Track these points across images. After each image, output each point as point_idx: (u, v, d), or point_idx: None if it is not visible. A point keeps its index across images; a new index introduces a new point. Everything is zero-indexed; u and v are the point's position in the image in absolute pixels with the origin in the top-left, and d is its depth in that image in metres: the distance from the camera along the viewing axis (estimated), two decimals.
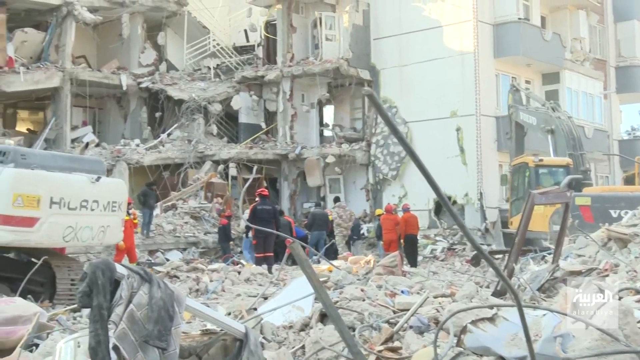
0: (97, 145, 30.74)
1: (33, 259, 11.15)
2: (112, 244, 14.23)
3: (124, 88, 31.97)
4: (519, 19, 29.15)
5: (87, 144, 29.95)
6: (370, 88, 30.67)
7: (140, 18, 32.85)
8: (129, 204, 19.08)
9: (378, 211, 25.56)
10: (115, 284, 4.30)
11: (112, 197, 11.24)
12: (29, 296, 9.84)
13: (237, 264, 19.05)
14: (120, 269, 4.34)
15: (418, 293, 7.94)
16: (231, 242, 24.02)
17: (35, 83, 29.01)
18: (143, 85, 32.15)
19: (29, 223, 9.86)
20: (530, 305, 4.57)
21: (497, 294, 7.65)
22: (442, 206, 27.58)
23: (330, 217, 24.51)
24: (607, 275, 7.11)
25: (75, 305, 9.17)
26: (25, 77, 28.47)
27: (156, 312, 4.29)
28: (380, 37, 30.56)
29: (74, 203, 10.42)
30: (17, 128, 32.56)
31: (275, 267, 17.03)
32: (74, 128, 31.39)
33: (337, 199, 28.38)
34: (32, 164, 10.13)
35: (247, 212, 19.57)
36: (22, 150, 10.74)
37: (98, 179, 10.88)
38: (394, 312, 6.14)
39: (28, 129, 32.99)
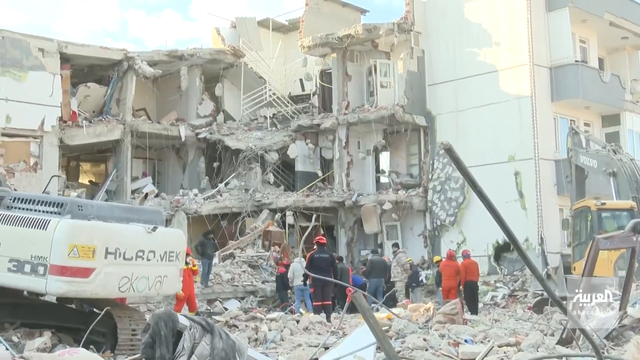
0: (157, 195, 31.22)
1: (95, 309, 11.28)
2: (169, 295, 13.78)
3: (183, 139, 32.56)
4: (576, 61, 28.88)
5: (146, 195, 30.46)
6: (427, 134, 30.64)
7: (198, 70, 33.57)
8: (187, 253, 19.28)
9: (436, 258, 25.27)
10: (178, 334, 4.32)
11: (169, 247, 11.03)
12: (92, 347, 9.93)
13: (294, 313, 19.02)
14: (182, 320, 4.36)
15: (482, 342, 7.77)
16: (289, 291, 23.96)
17: (97, 136, 29.78)
18: (201, 136, 32.68)
19: (85, 274, 9.74)
20: (608, 357, 4.42)
21: (563, 342, 7.43)
22: (505, 250, 27.22)
23: (390, 263, 24.40)
24: None
25: (137, 356, 9.21)
26: (88, 131, 29.24)
27: None
28: (436, 82, 30.58)
29: (130, 253, 10.28)
30: (80, 180, 33.36)
31: (334, 315, 16.91)
32: (134, 179, 32.00)
33: (396, 245, 28.17)
34: (89, 215, 10.21)
35: (300, 260, 19.57)
36: (79, 201, 10.78)
37: (154, 229, 10.70)
38: None
39: (90, 181, 33.77)
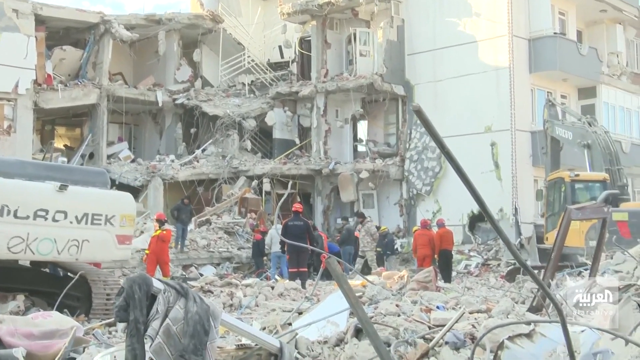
0: (133, 160, 31.08)
1: (69, 274, 11.24)
2: (94, 261, 11.87)
3: (160, 104, 32.31)
4: (555, 33, 28.92)
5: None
6: (405, 103, 30.66)
7: (176, 35, 33.22)
8: (161, 220, 19.27)
9: (415, 228, 25.48)
10: (152, 298, 4.33)
11: (95, 210, 10.31)
12: (65, 310, 9.92)
13: (270, 279, 19.12)
14: (156, 284, 4.37)
15: (454, 309, 7.88)
16: (264, 258, 24.07)
17: (73, 100, 29.46)
18: (178, 102, 32.46)
19: None
20: (570, 322, 4.51)
21: (533, 309, 7.55)
22: (480, 220, 27.42)
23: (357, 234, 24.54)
24: None
25: (111, 320, 9.22)
26: (63, 94, 28.93)
27: (192, 327, 4.32)
28: (415, 52, 30.52)
29: (25, 212, 9.64)
30: (55, 144, 33.03)
31: (309, 282, 17.02)
32: (110, 144, 31.77)
33: (361, 214, 28.23)
34: None
35: (277, 227, 19.62)
36: None
37: (64, 188, 10.03)
38: (430, 327, 6.09)
39: (65, 145, 33.46)
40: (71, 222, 10.06)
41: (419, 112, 2.94)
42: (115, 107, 30.60)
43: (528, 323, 4.64)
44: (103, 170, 13.41)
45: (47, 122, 33.16)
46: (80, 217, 10.16)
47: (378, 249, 25.36)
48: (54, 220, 9.91)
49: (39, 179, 10.01)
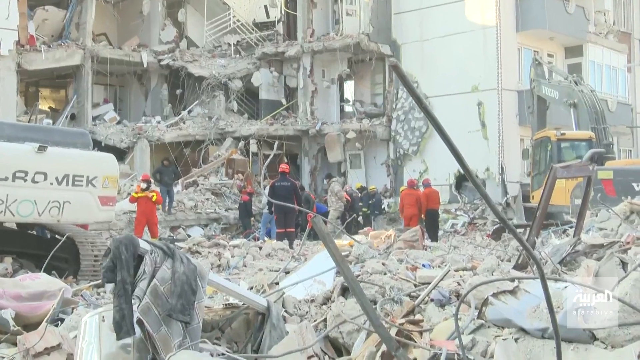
0: (119, 122, 30.89)
1: (57, 236, 11.24)
2: (76, 223, 11.57)
3: (145, 65, 32.00)
4: None
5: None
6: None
7: None
8: (147, 181, 19.20)
9: (403, 188, 25.57)
10: (139, 259, 4.35)
11: (75, 171, 10.26)
12: (54, 272, 9.94)
13: (258, 240, 19.20)
14: (143, 245, 4.38)
15: (439, 267, 7.95)
16: (252, 218, 24.12)
17: (57, 61, 29.08)
18: (164, 63, 32.15)
19: None
20: (552, 278, 4.56)
21: (518, 267, 7.62)
22: (466, 179, 27.55)
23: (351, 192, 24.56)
24: (629, 248, 7.08)
25: (99, 281, 9.25)
26: (47, 55, 28.53)
27: (179, 287, 4.34)
28: (401, 11, 30.31)
29: (3, 173, 9.59)
30: (40, 106, 32.71)
31: (296, 242, 17.11)
32: (95, 105, 31.50)
33: (329, 175, 28.28)
34: None
35: (268, 188, 19.68)
36: None
37: (43, 149, 9.91)
38: (415, 285, 6.15)
39: (50, 107, 33.18)
40: (51, 184, 10.01)
41: (395, 67, 2.93)
42: (99, 69, 30.27)
43: (512, 280, 4.69)
44: (84, 131, 13.28)
45: (31, 84, 32.82)
46: (60, 178, 10.10)
47: (364, 209, 25.48)
48: (33, 181, 9.85)
49: (17, 140, 9.93)
